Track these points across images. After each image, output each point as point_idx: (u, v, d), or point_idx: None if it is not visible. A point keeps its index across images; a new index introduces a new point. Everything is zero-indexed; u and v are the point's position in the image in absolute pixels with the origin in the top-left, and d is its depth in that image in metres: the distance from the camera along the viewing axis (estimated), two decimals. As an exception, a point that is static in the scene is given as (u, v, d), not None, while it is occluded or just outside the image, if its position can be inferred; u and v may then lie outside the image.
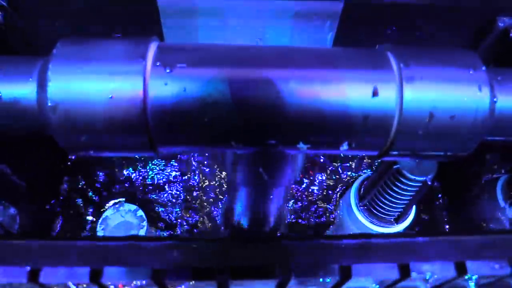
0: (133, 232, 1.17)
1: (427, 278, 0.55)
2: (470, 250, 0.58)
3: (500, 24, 0.96)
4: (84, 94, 0.56)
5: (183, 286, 0.62)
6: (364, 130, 0.61)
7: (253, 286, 0.59)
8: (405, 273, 0.54)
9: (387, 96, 0.59)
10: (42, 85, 0.58)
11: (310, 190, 1.43)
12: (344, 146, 0.62)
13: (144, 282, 0.54)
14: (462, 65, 0.63)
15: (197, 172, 1.43)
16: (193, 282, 0.56)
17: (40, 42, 1.03)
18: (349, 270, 0.53)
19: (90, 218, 1.34)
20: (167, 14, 1.01)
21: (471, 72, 0.62)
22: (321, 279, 0.58)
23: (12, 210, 1.09)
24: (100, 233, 1.17)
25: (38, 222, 1.22)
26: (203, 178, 1.43)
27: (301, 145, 0.61)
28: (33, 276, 0.51)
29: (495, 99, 0.65)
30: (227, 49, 0.63)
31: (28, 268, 0.52)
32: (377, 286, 0.65)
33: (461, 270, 0.55)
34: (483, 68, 0.63)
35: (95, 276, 0.51)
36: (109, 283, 0.56)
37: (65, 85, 0.57)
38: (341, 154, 1.44)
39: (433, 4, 0.92)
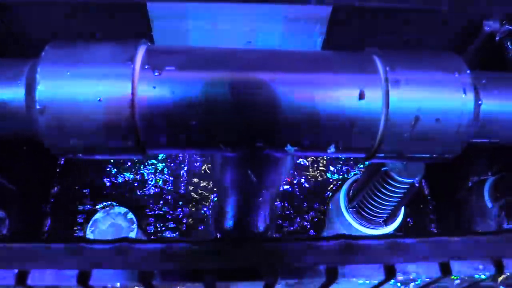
0: (123, 235, 1.16)
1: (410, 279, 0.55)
2: (455, 251, 0.59)
3: (486, 28, 0.97)
4: (72, 96, 0.57)
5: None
6: (351, 132, 0.61)
7: (241, 287, 0.59)
8: (390, 273, 0.54)
9: (373, 99, 0.60)
10: (30, 88, 0.58)
11: (300, 191, 1.43)
12: (332, 149, 0.63)
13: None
14: (447, 68, 0.64)
15: (187, 173, 1.43)
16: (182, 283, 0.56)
17: (29, 44, 1.03)
18: (335, 271, 0.54)
19: (80, 221, 1.33)
20: (157, 17, 1.01)
21: (456, 75, 0.63)
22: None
23: (1, 214, 1.08)
24: (90, 236, 1.17)
25: (27, 225, 1.21)
26: (194, 179, 1.43)
27: (288, 147, 0.62)
28: (21, 278, 0.51)
29: (480, 102, 0.66)
30: (215, 53, 0.64)
31: (16, 270, 0.52)
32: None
33: (446, 270, 0.56)
34: (468, 71, 0.64)
35: (83, 278, 0.51)
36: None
37: (53, 87, 0.57)
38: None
39: (421, 9, 0.93)
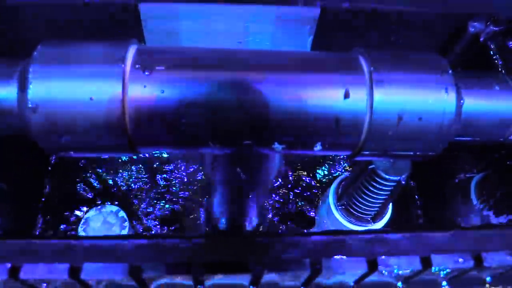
0: (115, 233, 1.17)
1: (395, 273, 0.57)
2: (436, 245, 0.61)
3: (471, 29, 0.99)
4: (64, 95, 0.58)
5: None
6: (337, 130, 0.63)
7: (229, 281, 0.61)
8: (373, 267, 0.56)
9: (358, 98, 0.62)
10: (22, 87, 0.60)
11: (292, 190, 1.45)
12: (318, 147, 0.65)
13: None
14: (430, 69, 0.66)
15: (179, 171, 1.44)
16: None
17: (21, 44, 1.04)
18: (319, 264, 0.56)
19: (71, 219, 1.34)
20: (149, 18, 1.02)
21: (438, 76, 0.65)
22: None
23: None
24: (81, 234, 1.18)
25: (19, 223, 1.22)
26: (186, 177, 1.44)
27: (276, 145, 0.64)
28: (13, 272, 0.52)
29: (462, 101, 0.68)
30: (205, 53, 0.65)
31: (9, 265, 0.53)
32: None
33: (426, 263, 0.58)
34: (450, 71, 0.66)
35: (74, 272, 0.52)
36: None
37: (45, 87, 0.58)
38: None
39: (406, 10, 0.95)
